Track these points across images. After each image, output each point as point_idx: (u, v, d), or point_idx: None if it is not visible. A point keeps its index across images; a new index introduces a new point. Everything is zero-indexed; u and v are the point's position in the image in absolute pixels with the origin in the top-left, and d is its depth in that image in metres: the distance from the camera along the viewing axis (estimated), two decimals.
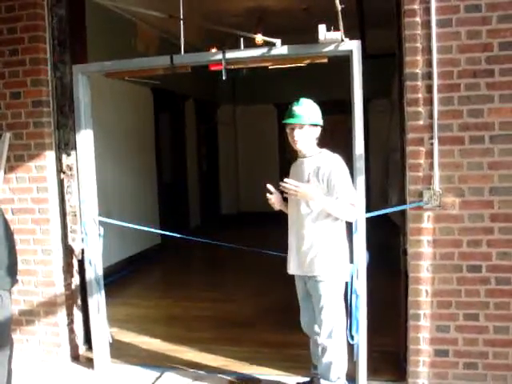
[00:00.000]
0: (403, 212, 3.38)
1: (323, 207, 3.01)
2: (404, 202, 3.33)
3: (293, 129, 3.10)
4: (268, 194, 3.19)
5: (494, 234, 3.17)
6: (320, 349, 3.18)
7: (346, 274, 3.17)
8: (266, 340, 4.33)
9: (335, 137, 7.10)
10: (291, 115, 3.09)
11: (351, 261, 3.21)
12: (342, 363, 3.19)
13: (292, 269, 3.23)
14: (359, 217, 3.18)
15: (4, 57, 3.75)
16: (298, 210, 3.13)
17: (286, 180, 2.99)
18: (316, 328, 3.21)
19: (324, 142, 3.19)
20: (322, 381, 3.21)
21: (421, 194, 3.20)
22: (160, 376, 3.72)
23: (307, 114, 3.07)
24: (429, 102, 3.16)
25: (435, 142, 3.15)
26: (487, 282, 3.19)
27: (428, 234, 3.23)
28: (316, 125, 3.11)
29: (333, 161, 3.07)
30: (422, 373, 3.32)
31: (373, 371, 3.46)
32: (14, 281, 2.69)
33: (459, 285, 3.23)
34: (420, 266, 3.24)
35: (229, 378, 3.68)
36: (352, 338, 3.27)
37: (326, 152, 3.15)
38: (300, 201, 3.08)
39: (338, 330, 3.13)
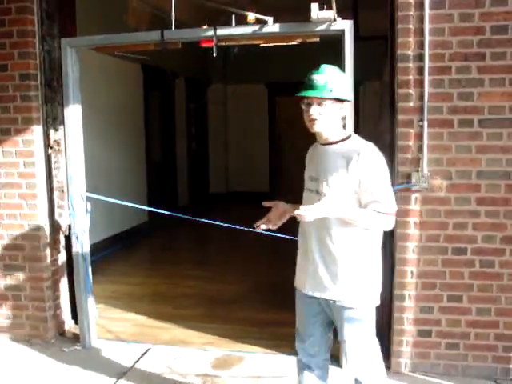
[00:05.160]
0: None
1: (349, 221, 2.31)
2: (392, 184, 3.33)
3: (309, 104, 2.30)
4: (258, 223, 2.54)
5: (480, 217, 3.19)
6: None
7: (377, 298, 2.47)
8: (252, 318, 4.37)
9: None
10: (308, 86, 2.29)
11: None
12: None
13: (308, 287, 2.46)
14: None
15: None
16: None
17: (297, 211, 2.23)
18: (344, 363, 2.59)
19: None
20: None
21: (409, 176, 3.21)
22: (145, 352, 3.74)
23: (330, 85, 2.26)
24: (419, 84, 3.15)
25: (425, 124, 3.15)
26: (471, 264, 3.23)
27: (415, 216, 3.25)
28: (342, 100, 2.32)
29: (367, 153, 2.28)
30: (405, 352, 3.37)
31: None
32: None
33: (444, 267, 3.26)
34: (406, 248, 3.27)
35: (214, 354, 3.71)
36: None
37: (355, 138, 2.39)
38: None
39: (374, 368, 2.47)
